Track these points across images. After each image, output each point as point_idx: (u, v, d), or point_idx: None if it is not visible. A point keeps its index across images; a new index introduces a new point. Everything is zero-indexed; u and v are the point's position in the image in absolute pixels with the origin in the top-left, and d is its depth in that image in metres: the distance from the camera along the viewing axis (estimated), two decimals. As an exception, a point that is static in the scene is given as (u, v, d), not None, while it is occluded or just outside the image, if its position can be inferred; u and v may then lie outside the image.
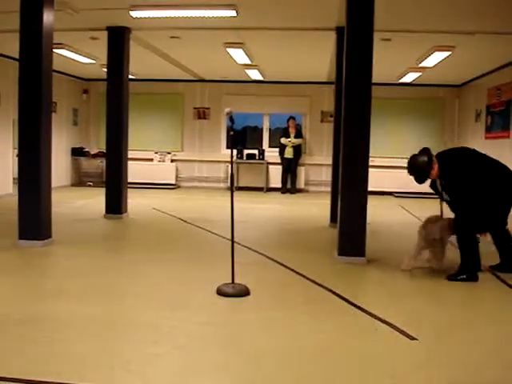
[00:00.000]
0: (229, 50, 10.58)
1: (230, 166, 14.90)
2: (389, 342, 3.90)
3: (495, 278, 5.83)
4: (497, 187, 5.62)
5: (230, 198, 5.09)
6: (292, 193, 14.71)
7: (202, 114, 15.76)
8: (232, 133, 4.98)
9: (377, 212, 10.54)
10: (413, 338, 3.93)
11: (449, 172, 5.65)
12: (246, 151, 15.30)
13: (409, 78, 13.40)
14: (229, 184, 14.95)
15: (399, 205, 12.46)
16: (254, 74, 13.80)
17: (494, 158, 5.88)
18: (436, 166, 5.62)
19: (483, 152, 5.95)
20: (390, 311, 4.55)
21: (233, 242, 5.07)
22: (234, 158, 15.00)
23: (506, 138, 11.53)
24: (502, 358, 3.67)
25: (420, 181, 5.72)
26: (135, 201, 10.94)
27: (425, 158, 5.62)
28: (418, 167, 5.64)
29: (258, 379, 3.24)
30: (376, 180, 14.13)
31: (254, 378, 3.25)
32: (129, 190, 9.75)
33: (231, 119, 4.89)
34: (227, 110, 4.91)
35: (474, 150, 6.00)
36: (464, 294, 5.38)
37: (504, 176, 5.70)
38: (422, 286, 5.69)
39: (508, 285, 5.57)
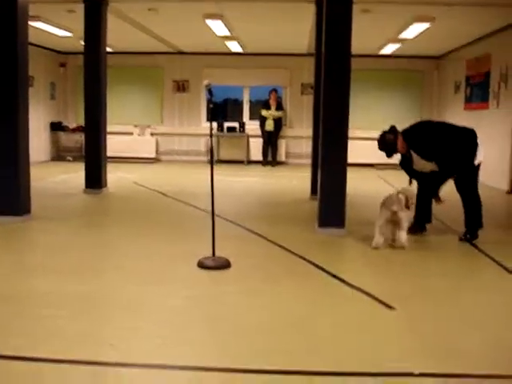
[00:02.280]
0: (208, 21, 10.47)
1: (209, 139, 14.90)
2: (368, 312, 3.96)
3: (471, 246, 5.93)
4: (460, 141, 6.17)
5: (210, 172, 5.09)
6: (273, 165, 14.73)
7: (181, 86, 15.64)
8: (211, 105, 4.94)
9: (357, 184, 10.60)
10: (391, 308, 4.00)
11: (419, 137, 6.19)
12: (226, 124, 15.25)
13: (388, 49, 13.38)
14: (209, 157, 14.89)
15: (379, 176, 12.56)
16: (234, 46, 13.69)
17: (472, 127, 6.39)
18: (401, 141, 6.17)
19: (455, 121, 6.36)
20: (369, 281, 4.62)
21: (213, 215, 5.08)
22: (215, 130, 14.97)
23: (484, 108, 11.60)
24: (478, 326, 3.75)
25: (388, 155, 6.31)
26: (115, 175, 10.89)
27: (390, 135, 6.19)
28: (384, 143, 6.21)
29: (241, 351, 3.27)
30: (357, 152, 14.19)
31: (237, 350, 3.28)
32: (109, 164, 9.69)
33: (210, 92, 4.86)
34: (206, 82, 4.89)
35: (430, 121, 6.88)
36: (441, 263, 5.47)
37: (462, 130, 6.32)
38: (400, 255, 5.76)
39: (483, 252, 5.66)
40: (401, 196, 5.86)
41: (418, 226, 6.51)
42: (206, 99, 15.42)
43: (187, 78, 15.51)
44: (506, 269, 5.10)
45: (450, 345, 3.41)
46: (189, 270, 4.87)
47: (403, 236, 5.85)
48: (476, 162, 6.13)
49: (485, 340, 3.49)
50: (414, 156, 6.23)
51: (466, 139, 6.19)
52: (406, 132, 6.25)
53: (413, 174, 6.42)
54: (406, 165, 6.41)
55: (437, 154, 6.10)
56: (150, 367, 3.05)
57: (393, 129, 6.25)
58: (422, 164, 6.24)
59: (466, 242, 6.12)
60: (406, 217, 5.92)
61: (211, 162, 5.10)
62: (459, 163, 6.12)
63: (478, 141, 6.17)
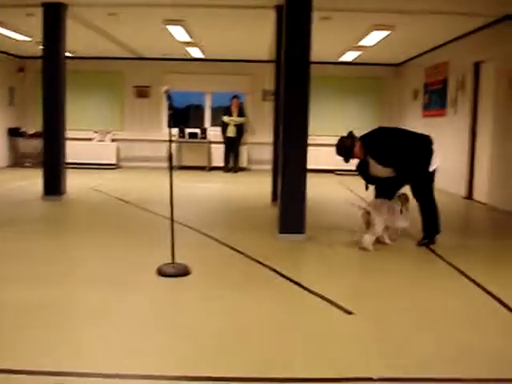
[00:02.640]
0: (168, 27, 10.43)
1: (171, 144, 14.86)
2: (326, 318, 3.97)
3: (428, 251, 6.01)
4: (416, 147, 6.28)
5: (169, 178, 5.06)
6: (235, 171, 14.73)
7: (142, 92, 15.52)
8: (170, 111, 4.91)
9: (318, 189, 10.68)
10: (350, 313, 4.02)
11: (375, 146, 6.25)
12: (188, 130, 15.20)
13: (349, 56, 13.53)
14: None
15: (339, 182, 12.66)
16: (195, 52, 13.67)
17: (428, 134, 6.51)
18: (359, 146, 6.22)
19: (414, 128, 6.42)
20: (328, 286, 4.64)
21: (172, 221, 5.04)
22: (176, 137, 14.92)
23: (442, 115, 11.81)
24: (434, 329, 3.79)
25: (346, 160, 6.35)
26: (75, 182, 10.73)
27: (348, 140, 6.25)
28: (342, 148, 6.27)
29: (198, 358, 3.24)
30: (317, 158, 14.34)
31: (194, 358, 3.25)
32: (68, 170, 9.56)
33: (169, 98, 4.84)
34: (164, 88, 4.86)
35: (388, 127, 6.97)
36: (399, 267, 5.53)
37: (419, 138, 6.42)
38: (359, 259, 5.82)
39: (441, 257, 5.74)
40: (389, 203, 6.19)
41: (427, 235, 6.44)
42: (167, 105, 15.37)
43: (148, 83, 15.41)
44: (462, 273, 5.18)
45: (407, 349, 3.44)
46: (148, 277, 4.82)
47: (368, 239, 5.95)
48: (431, 169, 6.22)
49: (441, 343, 3.52)
50: (371, 162, 6.30)
51: (422, 146, 6.28)
52: (364, 137, 6.32)
53: (369, 179, 6.48)
54: (362, 170, 6.47)
55: (393, 160, 6.19)
56: (112, 377, 2.99)
57: (350, 134, 6.31)
58: (378, 170, 6.31)
59: (424, 247, 6.20)
60: (380, 222, 6.08)
61: (170, 169, 5.05)
62: (415, 170, 6.21)
63: (434, 147, 6.27)
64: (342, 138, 6.32)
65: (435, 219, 6.34)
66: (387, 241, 6.30)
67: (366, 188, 6.56)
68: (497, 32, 9.31)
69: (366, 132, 6.46)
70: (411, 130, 6.70)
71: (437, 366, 3.18)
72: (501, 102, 9.15)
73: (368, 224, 6.14)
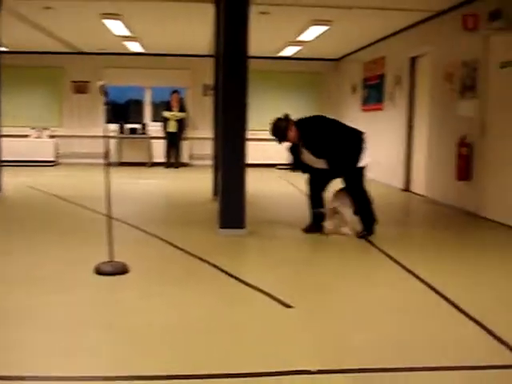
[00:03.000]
0: (106, 21, 10.25)
1: (110, 141, 14.66)
2: (266, 311, 3.98)
3: (367, 243, 6.11)
4: (349, 139, 6.39)
5: (112, 174, 4.97)
6: (176, 167, 14.62)
7: (81, 87, 15.22)
8: (106, 107, 4.82)
9: (258, 184, 10.71)
10: (289, 306, 4.03)
11: (309, 132, 6.29)
12: (127, 126, 15.00)
13: (288, 51, 13.60)
14: (110, 159, 14.59)
15: (280, 177, 12.73)
16: (134, 47, 13.50)
17: (362, 130, 6.57)
18: (293, 130, 6.24)
19: (355, 125, 6.65)
20: (268, 281, 4.65)
21: (109, 217, 4.96)
22: (116, 133, 14.70)
23: (380, 110, 12.02)
24: (373, 321, 3.85)
25: (279, 141, 6.34)
26: (11, 179, 10.42)
27: (283, 122, 6.28)
28: (277, 129, 6.28)
29: (136, 357, 3.20)
30: (258, 153, 14.37)
31: (131, 357, 3.20)
32: (5, 168, 9.30)
33: (105, 93, 4.75)
34: (100, 83, 4.77)
35: (325, 116, 6.76)
36: (338, 260, 5.60)
37: (352, 132, 6.51)
38: (299, 252, 5.87)
39: (379, 249, 5.84)
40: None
41: (314, 225, 6.59)
42: (107, 101, 15.13)
43: (87, 78, 15.09)
44: (398, 263, 5.27)
45: (347, 341, 3.48)
46: (86, 275, 4.72)
47: (343, 229, 6.44)
48: (360, 165, 6.32)
49: (379, 335, 3.58)
50: (303, 149, 6.34)
51: (354, 142, 6.36)
52: (299, 123, 6.35)
53: (298, 164, 6.53)
54: (293, 152, 6.50)
55: (324, 152, 6.24)
56: (47, 379, 2.91)
57: (286, 117, 6.33)
58: (309, 158, 6.36)
59: (363, 239, 6.30)
60: (347, 212, 6.41)
61: (107, 165, 4.96)
62: (344, 164, 6.29)
63: (366, 145, 6.35)
64: (278, 119, 6.34)
65: (370, 210, 6.44)
66: (348, 232, 6.44)
67: (293, 169, 6.67)
68: (432, 27, 9.53)
69: (303, 117, 6.51)
70: (348, 124, 6.77)
71: (373, 357, 3.23)
72: (436, 96, 9.37)
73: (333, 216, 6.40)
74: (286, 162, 6.72)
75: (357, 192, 6.41)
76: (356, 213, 6.46)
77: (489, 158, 7.75)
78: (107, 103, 4.88)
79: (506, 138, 7.38)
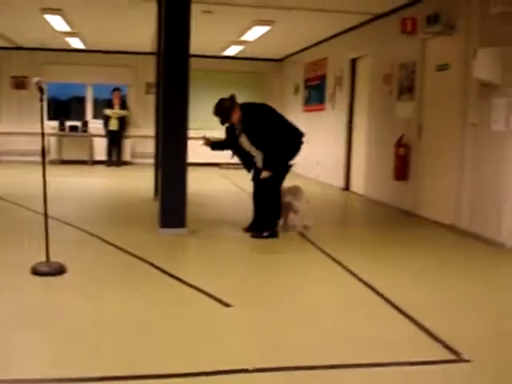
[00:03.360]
0: (46, 16, 10.04)
1: (51, 138, 14.37)
2: (205, 311, 3.97)
3: (307, 241, 6.18)
4: (287, 137, 6.31)
5: (52, 172, 4.87)
6: (118, 166, 14.43)
7: (20, 83, 14.84)
8: (42, 103, 4.71)
9: (201, 183, 10.69)
10: (228, 305, 4.04)
11: (250, 117, 6.27)
12: (68, 123, 14.72)
13: (232, 51, 13.62)
14: (50, 157, 14.31)
15: (223, 176, 12.74)
16: (75, 43, 13.26)
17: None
18: (238, 112, 6.23)
19: (295, 122, 6.70)
20: (208, 280, 4.65)
21: (46, 216, 4.84)
22: (56, 130, 14.42)
23: (321, 110, 12.16)
24: (312, 319, 3.90)
25: (222, 122, 6.34)
26: None
27: (228, 102, 6.26)
28: (221, 110, 6.26)
29: (73, 359, 3.15)
30: (202, 152, 14.28)
31: (74, 359, 3.15)
32: None
33: (41, 89, 4.66)
34: (36, 79, 4.69)
35: (272, 107, 6.70)
36: (277, 257, 5.68)
37: (293, 131, 6.43)
38: (240, 252, 5.89)
39: (318, 247, 5.91)
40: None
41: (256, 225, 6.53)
42: (47, 97, 14.84)
43: (27, 74, 14.71)
44: (338, 263, 5.36)
45: (285, 340, 3.51)
46: (21, 276, 4.61)
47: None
48: (290, 162, 6.39)
49: (317, 333, 3.63)
50: (242, 135, 6.32)
51: (293, 139, 6.35)
52: (245, 105, 6.35)
53: (232, 145, 6.50)
54: (229, 132, 6.48)
55: (261, 141, 6.23)
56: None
57: (232, 97, 6.30)
58: (246, 144, 6.36)
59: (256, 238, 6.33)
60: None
61: (43, 162, 4.86)
62: (277, 159, 6.23)
63: (301, 145, 6.37)
64: (223, 99, 6.30)
65: (276, 210, 6.42)
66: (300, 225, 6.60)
67: (232, 156, 6.63)
68: (371, 30, 9.70)
69: (249, 102, 6.54)
70: (292, 121, 6.70)
71: (311, 354, 3.28)
72: (375, 97, 9.55)
73: (287, 213, 6.56)
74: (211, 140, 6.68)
75: (272, 188, 6.32)
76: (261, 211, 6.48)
77: (424, 158, 7.96)
78: (43, 100, 4.74)
79: (439, 139, 7.60)
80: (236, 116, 6.24)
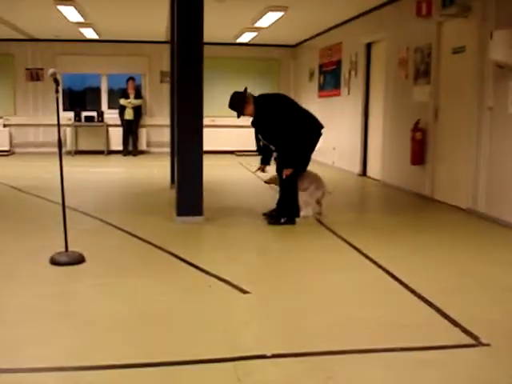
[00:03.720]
0: (59, 7, 10.06)
1: (67, 129, 14.47)
2: (222, 298, 3.99)
3: (324, 227, 6.18)
4: (304, 131, 6.23)
5: (68, 163, 4.90)
6: (134, 155, 14.50)
7: (35, 75, 14.92)
8: (57, 94, 4.74)
9: (217, 171, 10.72)
10: (246, 292, 4.06)
11: (261, 111, 6.22)
12: (84, 113, 14.78)
13: (245, 38, 13.57)
14: (68, 148, 14.41)
15: (240, 163, 12.74)
16: (89, 33, 13.28)
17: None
18: (251, 105, 6.20)
19: (312, 112, 6.54)
20: (226, 267, 4.67)
21: (64, 206, 4.87)
22: (72, 121, 14.49)
23: (337, 96, 12.10)
24: (328, 305, 3.91)
25: (238, 115, 6.28)
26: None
27: (240, 95, 6.23)
28: (233, 103, 6.25)
29: (93, 347, 3.18)
30: (218, 139, 14.39)
31: (89, 346, 3.18)
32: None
33: (56, 81, 4.68)
34: (51, 71, 4.70)
35: (288, 97, 6.68)
36: (295, 243, 5.69)
37: (310, 123, 6.34)
38: (257, 239, 5.90)
39: (336, 233, 5.91)
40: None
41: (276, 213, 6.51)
42: (62, 88, 14.92)
43: (41, 65, 14.81)
44: (355, 248, 5.35)
45: (302, 325, 3.52)
46: (41, 266, 4.67)
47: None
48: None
49: (335, 318, 3.63)
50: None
51: (311, 132, 6.28)
52: (258, 98, 6.30)
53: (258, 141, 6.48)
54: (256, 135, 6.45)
55: (270, 136, 6.26)
56: (3, 372, 2.87)
57: (245, 90, 6.28)
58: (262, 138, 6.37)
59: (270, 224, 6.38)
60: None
61: (60, 153, 4.89)
62: (290, 155, 6.21)
63: (319, 139, 6.34)
64: (236, 92, 6.30)
65: (294, 201, 6.42)
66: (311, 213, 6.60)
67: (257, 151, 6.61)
68: (386, 13, 9.61)
69: (264, 93, 6.48)
70: (310, 112, 6.58)
71: (329, 340, 3.29)
72: (391, 81, 9.48)
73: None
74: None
75: (290, 179, 6.29)
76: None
77: (441, 142, 7.90)
78: (58, 91, 4.77)
79: (456, 123, 7.53)
80: (249, 109, 6.21)
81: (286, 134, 6.14)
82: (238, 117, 6.30)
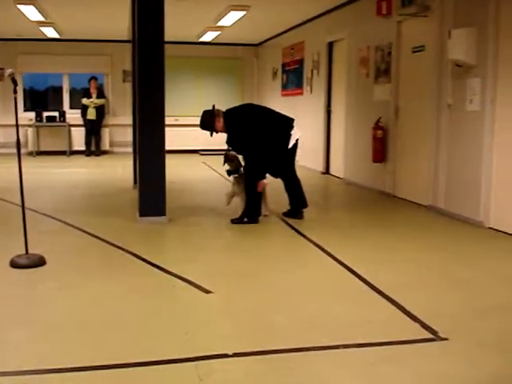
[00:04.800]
0: (19, 6, 9.90)
1: (28, 129, 14.25)
2: (185, 298, 4.00)
3: (287, 226, 6.21)
4: (274, 138, 6.37)
5: (30, 164, 4.84)
6: (97, 155, 14.37)
7: (-5, 74, 14.64)
8: (15, 95, 4.66)
9: (180, 170, 10.69)
10: (208, 292, 4.07)
11: (231, 126, 6.28)
12: (45, 113, 14.58)
13: (208, 36, 13.54)
14: (29, 149, 14.20)
15: (203, 162, 12.72)
16: (50, 32, 13.10)
17: (289, 113, 6.77)
18: (221, 121, 6.24)
19: (273, 107, 6.79)
20: (188, 267, 4.67)
21: (23, 208, 4.80)
22: (33, 121, 14.29)
23: (300, 94, 12.16)
24: (292, 304, 3.93)
25: (210, 133, 6.36)
26: None
27: (209, 114, 6.28)
28: (203, 122, 6.32)
29: (57, 351, 3.14)
30: (181, 139, 14.35)
31: (49, 350, 3.15)
32: None
33: (14, 81, 4.61)
34: (9, 71, 4.64)
35: (256, 105, 6.95)
36: (258, 243, 5.71)
37: (281, 127, 6.45)
38: (219, 238, 5.90)
39: (299, 232, 5.95)
40: None
41: (294, 210, 6.66)
42: (23, 88, 14.70)
43: (2, 65, 14.50)
44: (318, 246, 5.39)
45: (265, 324, 3.54)
46: (1, 269, 4.60)
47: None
48: (290, 145, 6.40)
49: (297, 316, 3.66)
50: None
51: (283, 131, 6.40)
52: (226, 113, 6.35)
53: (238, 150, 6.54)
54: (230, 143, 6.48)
55: (239, 148, 6.38)
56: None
57: (212, 108, 6.33)
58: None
59: (288, 218, 6.56)
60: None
61: (18, 154, 4.82)
62: (254, 166, 6.32)
63: (294, 127, 6.43)
64: (205, 111, 6.35)
65: (300, 194, 6.60)
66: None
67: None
68: (347, 13, 9.70)
69: (231, 108, 6.52)
70: (277, 111, 6.73)
71: (290, 338, 3.31)
72: (352, 81, 9.56)
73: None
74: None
75: (287, 175, 6.59)
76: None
77: (402, 140, 8.02)
78: (17, 91, 4.68)
79: (416, 121, 7.65)
80: (220, 125, 6.25)
81: (255, 144, 6.24)
82: (211, 135, 6.37)
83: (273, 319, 3.61)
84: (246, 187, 6.36)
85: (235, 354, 3.06)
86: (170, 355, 3.06)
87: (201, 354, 3.05)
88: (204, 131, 6.39)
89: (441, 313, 3.72)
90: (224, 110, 6.38)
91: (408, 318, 3.60)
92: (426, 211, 7.12)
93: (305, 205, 6.63)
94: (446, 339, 3.28)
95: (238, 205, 6.56)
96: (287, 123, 6.47)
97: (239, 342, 3.25)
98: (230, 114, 6.37)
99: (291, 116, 6.63)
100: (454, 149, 6.73)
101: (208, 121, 6.25)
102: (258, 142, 6.25)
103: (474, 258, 5.15)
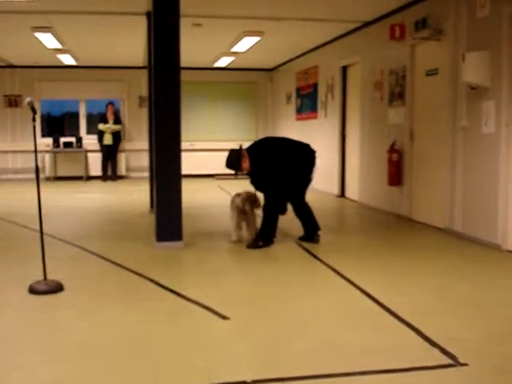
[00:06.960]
0: (37, 34, 10.08)
1: (46, 155, 14.42)
2: (202, 324, 3.99)
3: (303, 250, 6.21)
4: (300, 173, 6.54)
5: (48, 189, 4.89)
6: (113, 180, 14.47)
7: (13, 101, 14.88)
8: (34, 123, 4.73)
9: (196, 195, 10.73)
10: (225, 318, 4.06)
11: (258, 165, 6.34)
12: (62, 139, 14.76)
13: (223, 62, 13.67)
14: (47, 174, 14.35)
15: (219, 186, 12.76)
16: (67, 59, 13.29)
17: (303, 137, 6.59)
18: (247, 161, 6.30)
19: (290, 135, 6.56)
20: (205, 293, 4.67)
21: (42, 234, 4.84)
22: (50, 146, 14.45)
23: (314, 118, 12.21)
24: (309, 329, 3.91)
25: (235, 172, 6.63)
26: None
27: (235, 153, 6.34)
28: (230, 161, 6.36)
29: (67, 377, 3.16)
30: (197, 163, 14.45)
31: (61, 376, 3.16)
32: None
33: (33, 109, 4.68)
34: (28, 99, 4.72)
35: (277, 139, 7.07)
36: (274, 267, 5.70)
37: (306, 162, 6.59)
38: (236, 263, 5.91)
39: (315, 256, 5.94)
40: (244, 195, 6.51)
41: (308, 234, 6.70)
42: (41, 115, 14.89)
43: (19, 92, 14.78)
44: (335, 271, 5.38)
45: (282, 350, 3.52)
46: (19, 295, 4.63)
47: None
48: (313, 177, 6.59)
49: (315, 342, 3.64)
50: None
51: (306, 160, 6.56)
52: (249, 149, 6.43)
53: (261, 188, 6.60)
54: (254, 181, 6.58)
55: (262, 186, 6.48)
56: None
57: (239, 147, 6.43)
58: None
59: (304, 242, 6.60)
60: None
61: (37, 180, 4.87)
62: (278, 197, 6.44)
63: (315, 162, 6.60)
64: (231, 150, 6.43)
65: (311, 217, 6.63)
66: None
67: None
68: (361, 37, 9.76)
69: (252, 144, 6.62)
70: (297, 141, 6.85)
71: (309, 364, 3.29)
72: (367, 104, 9.59)
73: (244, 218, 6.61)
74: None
75: (298, 201, 6.64)
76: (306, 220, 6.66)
77: (417, 163, 8.01)
78: (35, 119, 4.75)
79: (431, 144, 7.64)
80: (246, 165, 6.32)
81: (281, 180, 6.37)
82: (236, 174, 6.53)
83: (290, 345, 3.60)
84: (265, 209, 6.40)
85: (254, 381, 3.05)
86: (186, 382, 3.06)
87: (218, 381, 3.04)
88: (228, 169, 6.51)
89: (459, 338, 3.69)
90: (245, 146, 6.49)
91: (427, 343, 3.57)
92: (443, 234, 7.08)
93: (318, 227, 6.65)
94: (465, 364, 3.25)
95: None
96: (310, 156, 6.59)
97: (257, 368, 3.24)
98: (255, 152, 6.41)
99: (311, 145, 6.73)
100: (469, 171, 6.71)
101: (235, 160, 6.31)
102: (284, 178, 6.36)
103: (491, 282, 5.10)
